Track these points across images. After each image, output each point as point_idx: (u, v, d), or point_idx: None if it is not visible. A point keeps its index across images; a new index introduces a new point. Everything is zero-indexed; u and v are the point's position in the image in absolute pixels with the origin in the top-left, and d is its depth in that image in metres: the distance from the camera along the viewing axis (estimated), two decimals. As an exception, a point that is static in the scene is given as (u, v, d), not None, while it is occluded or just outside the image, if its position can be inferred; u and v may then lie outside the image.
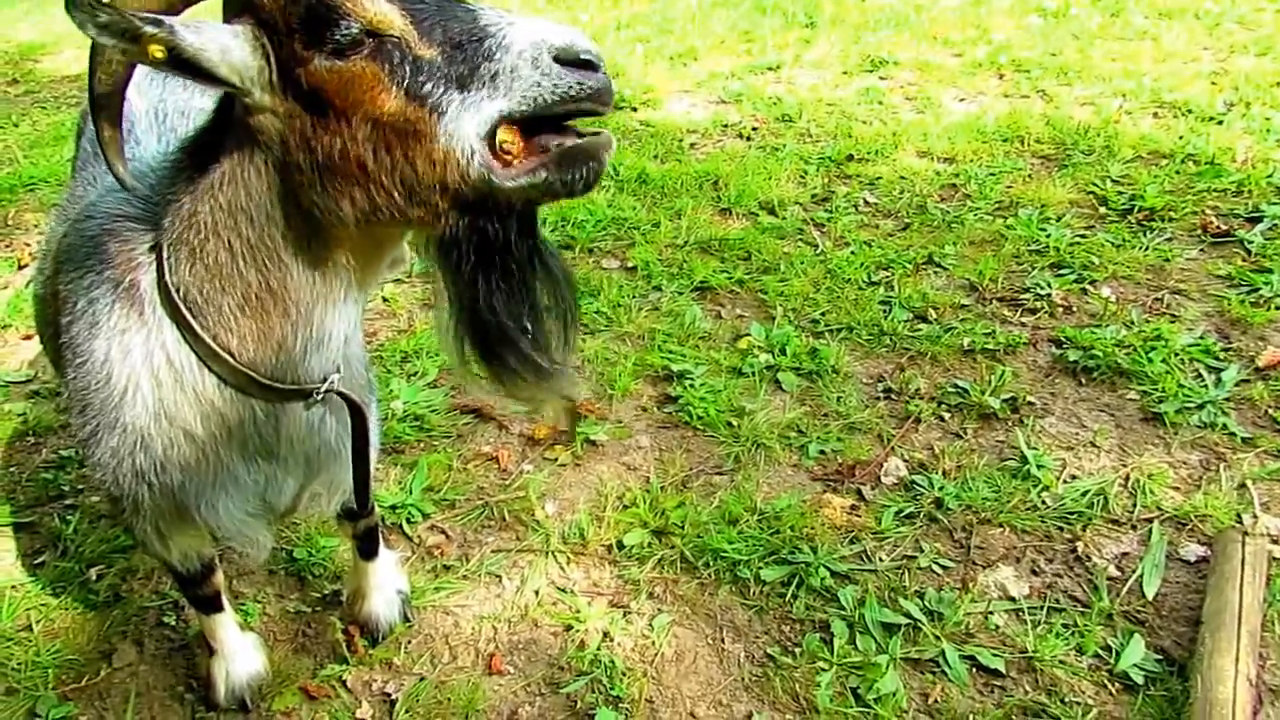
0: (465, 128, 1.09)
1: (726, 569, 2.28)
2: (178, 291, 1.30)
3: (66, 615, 2.28)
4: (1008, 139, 4.58)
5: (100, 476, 1.49)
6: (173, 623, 2.24)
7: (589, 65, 1.09)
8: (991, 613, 2.14)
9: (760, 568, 2.27)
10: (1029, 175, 4.23)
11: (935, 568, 2.27)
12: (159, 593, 2.32)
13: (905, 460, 2.62)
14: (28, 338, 3.40)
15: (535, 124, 1.13)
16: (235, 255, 1.26)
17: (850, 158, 4.51)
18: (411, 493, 2.57)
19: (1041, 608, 2.16)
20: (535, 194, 1.14)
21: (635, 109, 5.40)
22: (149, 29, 1.07)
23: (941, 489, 2.47)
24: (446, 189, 1.13)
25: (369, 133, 1.12)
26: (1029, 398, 2.81)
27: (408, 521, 2.50)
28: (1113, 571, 2.22)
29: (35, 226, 4.22)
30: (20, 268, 3.84)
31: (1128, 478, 2.48)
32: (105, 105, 1.24)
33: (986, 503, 2.43)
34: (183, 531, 1.63)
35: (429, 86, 1.10)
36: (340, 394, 1.46)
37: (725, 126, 5.06)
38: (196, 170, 1.27)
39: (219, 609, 1.97)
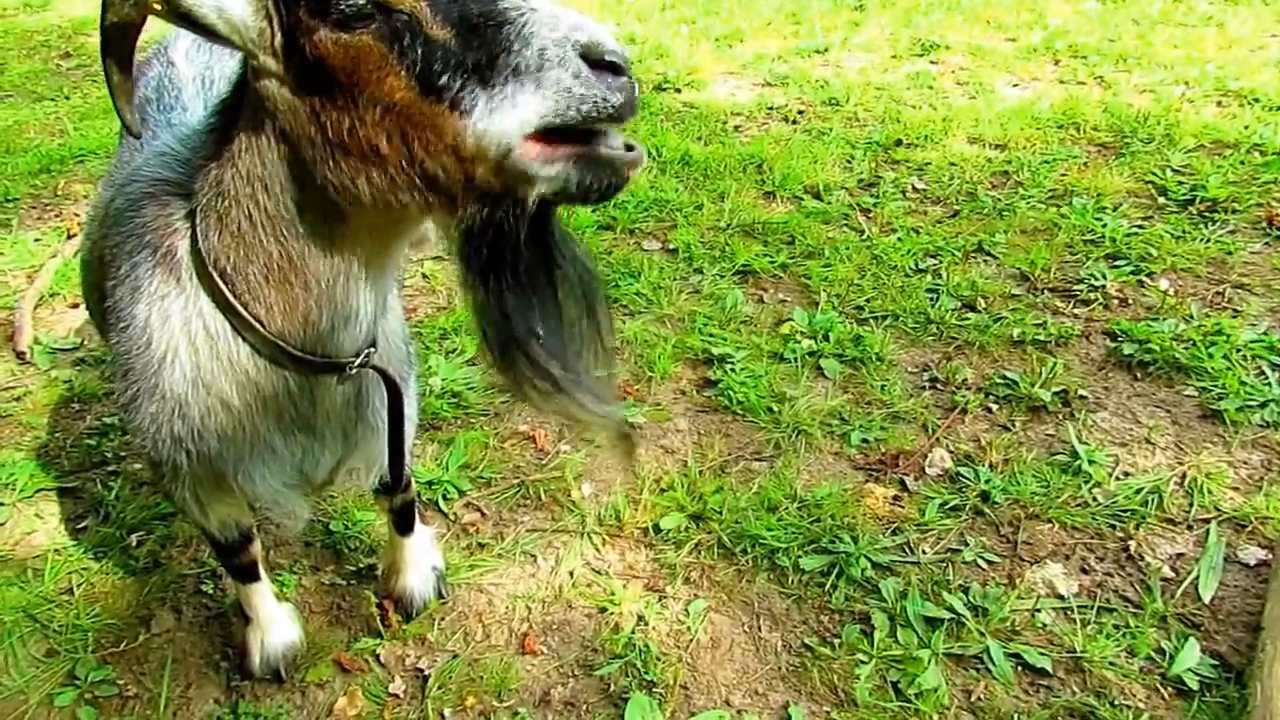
0: (503, 125, 1.00)
1: (764, 556, 2.24)
2: (209, 258, 1.28)
3: (106, 580, 2.30)
4: (1063, 126, 4.45)
5: (140, 442, 1.48)
6: (210, 591, 2.25)
7: (615, 68, 0.99)
8: (1039, 610, 2.08)
9: (799, 556, 2.22)
10: (1084, 163, 4.10)
11: (980, 562, 2.20)
12: (197, 560, 2.33)
13: (951, 452, 2.55)
14: (75, 306, 3.45)
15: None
16: (255, 225, 1.23)
17: (899, 143, 4.40)
18: (448, 469, 2.56)
19: (1091, 607, 2.09)
20: (551, 191, 1.04)
21: (679, 90, 5.34)
22: None
23: (988, 482, 2.40)
24: (473, 182, 1.05)
25: (379, 117, 1.06)
26: (1081, 391, 2.72)
27: (444, 498, 2.48)
28: (1167, 572, 2.14)
29: (84, 197, 4.28)
30: (69, 237, 3.89)
31: (1184, 476, 2.39)
32: (114, 46, 1.20)
33: (1035, 497, 2.35)
34: (220, 499, 1.63)
35: (445, 76, 1.01)
36: (376, 368, 1.44)
37: (770, 109, 4.98)
38: (224, 135, 1.24)
39: (256, 578, 1.97)
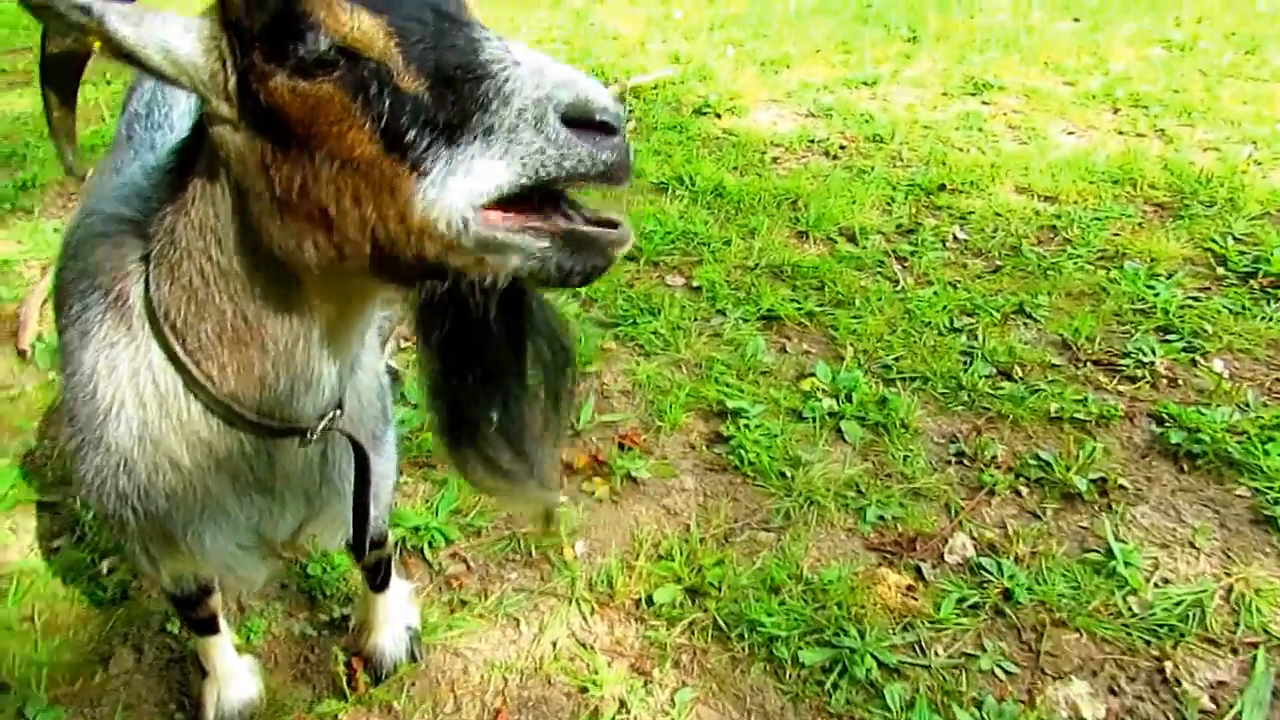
0: (454, 197, 0.89)
1: (763, 644, 2.07)
2: (160, 310, 1.17)
3: (71, 610, 2.19)
4: (1118, 181, 4.23)
5: (85, 494, 1.38)
6: (174, 631, 2.13)
7: (605, 128, 0.89)
8: (1058, 733, 1.89)
9: (800, 647, 2.05)
10: (1139, 224, 3.88)
11: (998, 672, 2.02)
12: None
13: (973, 538, 2.37)
14: (81, 305, 3.37)
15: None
16: (207, 280, 1.12)
17: (942, 187, 4.22)
18: (437, 514, 2.43)
19: (1117, 734, 1.90)
20: (524, 270, 0.93)
21: (719, 115, 5.20)
22: (76, 15, 0.92)
23: (1012, 577, 2.22)
24: (423, 258, 0.94)
25: (334, 173, 0.94)
26: (1120, 480, 2.52)
27: (429, 545, 2.35)
28: (1206, 703, 1.94)
29: (106, 190, 4.22)
30: (85, 231, 3.83)
31: (1230, 590, 2.19)
32: (54, 77, 1.11)
33: (1063, 600, 2.16)
34: (172, 556, 1.51)
35: (412, 133, 0.90)
36: (341, 432, 1.32)
37: (812, 142, 4.82)
38: (179, 179, 1.13)
39: (214, 631, 1.85)
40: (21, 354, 3.13)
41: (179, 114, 1.75)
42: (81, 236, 1.34)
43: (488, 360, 1.04)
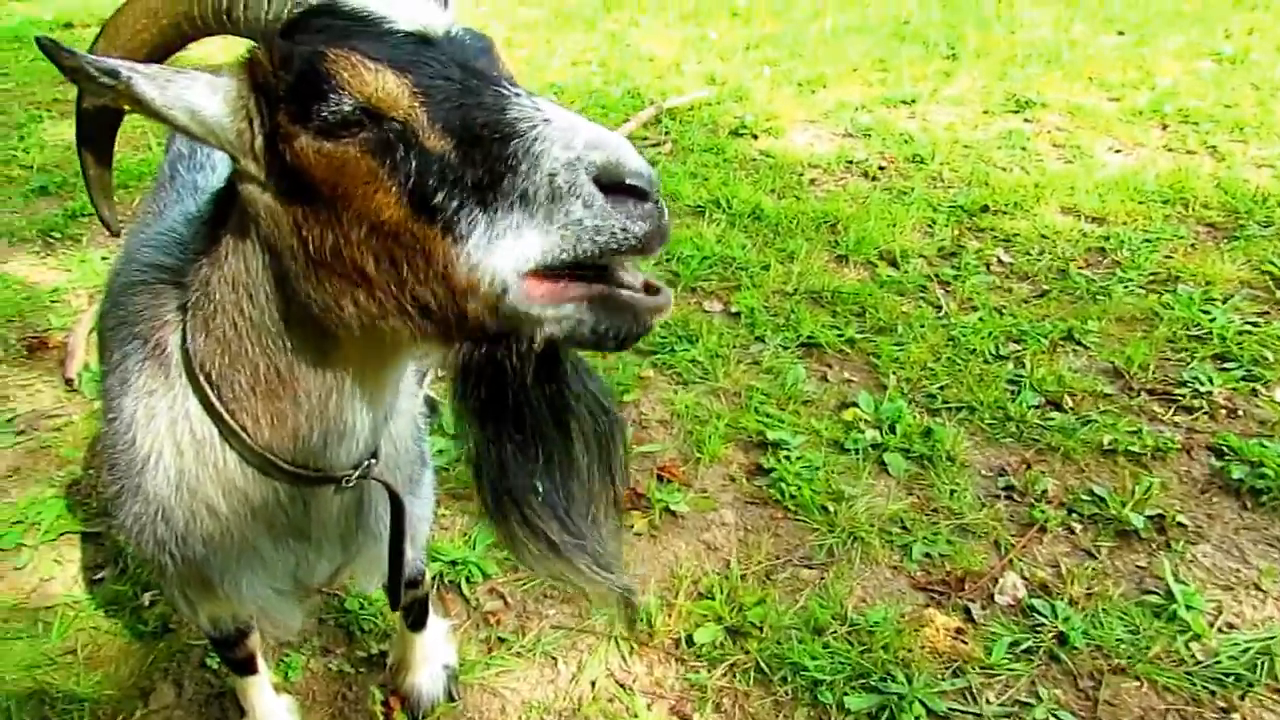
0: (499, 261, 0.88)
1: (806, 688, 2.02)
2: (197, 361, 1.18)
3: (113, 643, 2.20)
4: (1169, 200, 4.12)
5: (124, 539, 1.40)
6: (215, 666, 2.13)
7: (638, 193, 0.86)
8: (1118, 788, 1.81)
9: (845, 692, 1.99)
10: (1192, 245, 3.77)
11: (1053, 721, 1.94)
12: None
13: (1025, 578, 2.29)
14: (126, 334, 3.42)
15: None
16: (240, 334, 1.13)
17: (985, 209, 4.14)
18: (475, 547, 2.41)
19: (1181, 790, 1.81)
20: (562, 334, 0.92)
21: (756, 136, 5.16)
22: (105, 79, 0.93)
23: (1066, 620, 2.14)
24: (465, 317, 0.93)
25: (365, 236, 0.94)
26: (1179, 517, 2.42)
27: (467, 580, 2.33)
28: (1276, 758, 1.85)
29: (152, 218, 4.30)
30: (131, 260, 3.89)
31: (1300, 636, 2.09)
32: (90, 136, 1.12)
33: (1121, 646, 2.08)
34: (210, 599, 1.51)
35: (440, 195, 0.89)
36: (377, 479, 1.32)
37: (850, 163, 4.76)
38: (213, 232, 1.14)
39: (253, 671, 1.85)
40: (69, 383, 3.18)
41: (221, 155, 1.76)
42: (122, 283, 1.35)
43: (529, 427, 1.01)
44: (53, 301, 3.67)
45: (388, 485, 1.34)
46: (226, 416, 1.17)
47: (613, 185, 0.86)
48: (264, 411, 1.16)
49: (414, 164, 0.90)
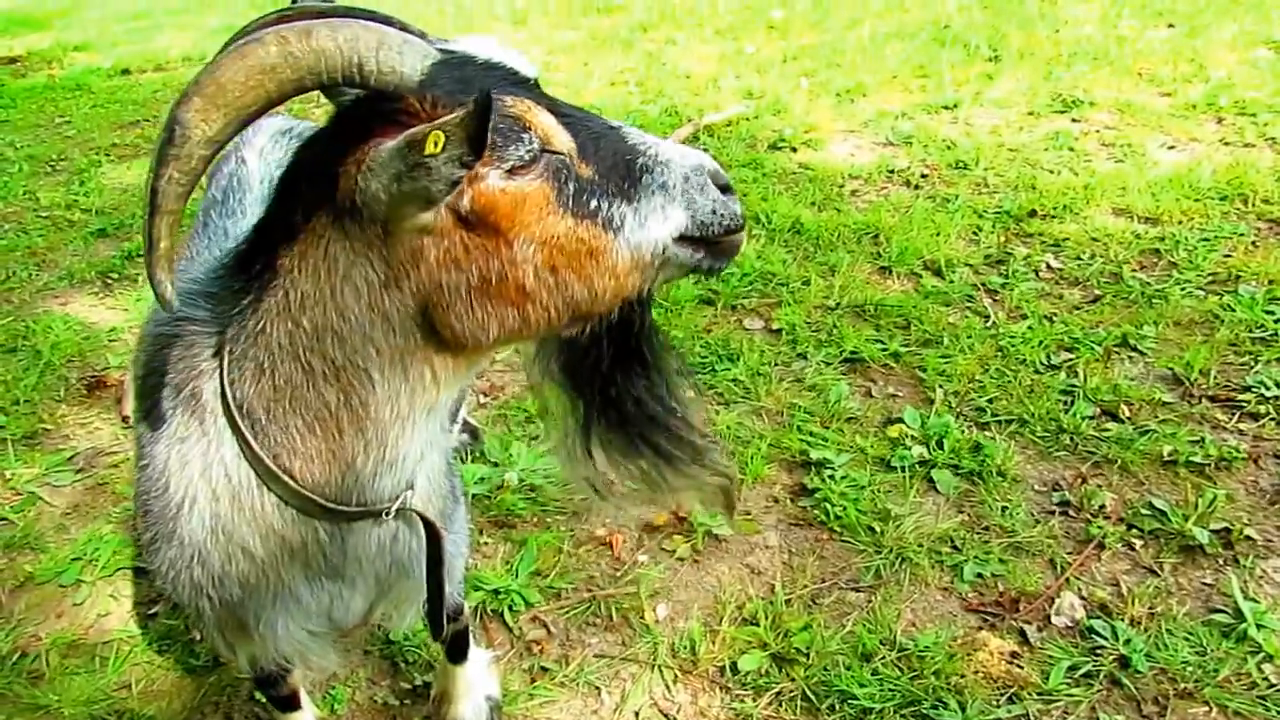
0: (657, 233, 1.10)
1: (855, 717, 1.96)
2: (239, 408, 1.19)
3: (166, 677, 2.25)
4: (1227, 197, 3.97)
5: (161, 585, 1.42)
6: (263, 700, 2.15)
7: (728, 189, 1.14)
8: (1189, 822, 1.72)
9: (895, 721, 1.93)
10: (1253, 243, 3.62)
11: (1117, 750, 1.86)
12: (254, 664, 2.25)
13: (1083, 598, 2.20)
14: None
15: None
16: (314, 375, 1.15)
17: (1033, 214, 4.03)
18: (517, 576, 2.41)
19: (1258, 823, 1.71)
20: (680, 274, 1.17)
21: (795, 149, 5.12)
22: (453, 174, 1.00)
23: (1128, 642, 2.05)
24: (621, 296, 1.13)
25: (531, 254, 1.07)
26: (1247, 530, 2.31)
27: (509, 609, 2.32)
28: (1360, 788, 1.74)
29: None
30: (184, 298, 4.00)
31: (1383, 656, 1.97)
32: (169, 209, 1.04)
33: (1187, 669, 1.98)
34: (247, 643, 1.53)
35: (593, 203, 1.08)
36: (414, 512, 1.33)
37: (891, 173, 4.69)
38: (261, 284, 1.15)
39: (296, 707, 1.86)
40: (125, 420, 3.27)
41: (252, 199, 1.80)
42: (153, 332, 1.38)
43: (650, 359, 1.23)
44: (110, 341, 3.78)
45: (423, 517, 1.35)
46: (268, 461, 1.19)
47: (720, 186, 1.13)
48: (320, 449, 1.18)
49: (573, 188, 1.08)
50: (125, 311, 4.04)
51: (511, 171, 1.04)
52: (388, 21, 1.09)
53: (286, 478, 1.19)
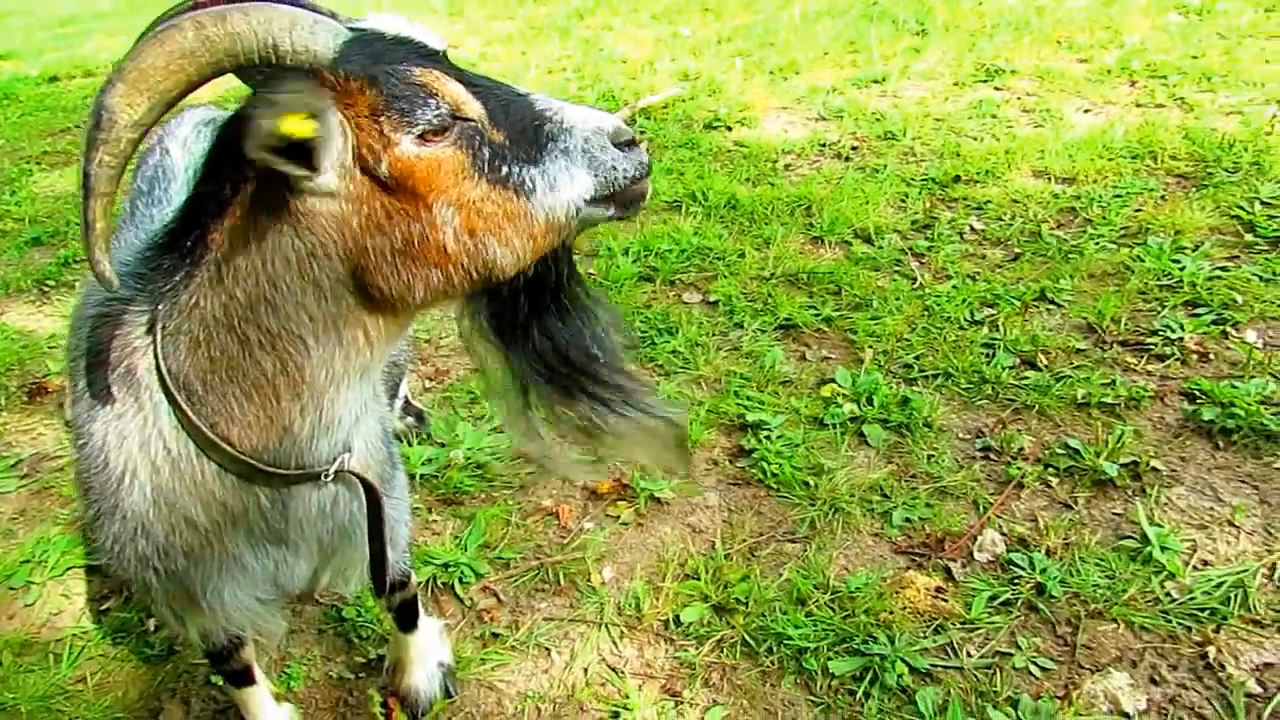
0: (568, 195, 1.16)
1: (791, 657, 2.06)
2: (175, 380, 1.24)
3: (121, 669, 2.27)
4: (1138, 155, 4.15)
5: (106, 561, 1.44)
6: (220, 683, 2.19)
7: (632, 144, 1.20)
8: (1099, 728, 1.85)
9: (829, 658, 2.04)
10: (1161, 197, 3.80)
11: (1033, 669, 1.98)
12: (209, 649, 2.29)
13: (1003, 534, 2.33)
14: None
15: None
16: (249, 345, 1.19)
17: (957, 179, 4.17)
18: (466, 549, 2.47)
19: (1161, 725, 1.85)
20: (592, 225, 1.23)
21: (730, 128, 5.21)
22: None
23: (1044, 571, 2.18)
24: (539, 254, 1.19)
25: (450, 217, 1.13)
26: (1153, 463, 2.46)
27: (460, 581, 2.39)
28: (1252, 686, 1.88)
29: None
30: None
31: (1274, 567, 2.12)
32: (102, 191, 1.10)
33: (1098, 591, 2.12)
34: (196, 614, 1.57)
35: (506, 168, 1.13)
36: (353, 474, 1.37)
37: (823, 146, 4.81)
38: (193, 259, 1.19)
39: (250, 682, 1.90)
40: (69, 424, 3.26)
41: (176, 189, 1.83)
42: (84, 315, 1.41)
43: (571, 307, 1.30)
44: (50, 348, 3.75)
45: (362, 478, 1.40)
46: (206, 430, 1.23)
47: (620, 144, 1.18)
48: (257, 415, 1.23)
49: (487, 153, 1.13)
50: (63, 318, 4.00)
51: (423, 137, 1.09)
52: (298, 3, 1.14)
53: (225, 445, 1.23)
